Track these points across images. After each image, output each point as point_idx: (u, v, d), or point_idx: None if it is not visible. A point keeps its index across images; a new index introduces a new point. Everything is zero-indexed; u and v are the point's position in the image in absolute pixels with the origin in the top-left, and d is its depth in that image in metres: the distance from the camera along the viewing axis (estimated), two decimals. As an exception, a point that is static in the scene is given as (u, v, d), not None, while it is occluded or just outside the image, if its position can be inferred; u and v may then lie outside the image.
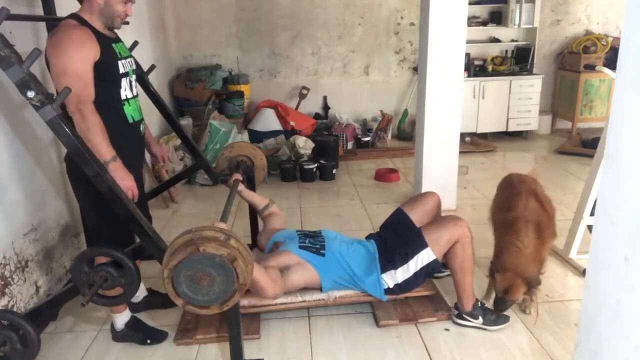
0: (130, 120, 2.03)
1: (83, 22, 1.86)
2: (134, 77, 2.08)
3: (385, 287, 2.25)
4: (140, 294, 2.44)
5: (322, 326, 2.32)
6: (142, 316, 2.34)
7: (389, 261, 2.25)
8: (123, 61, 1.98)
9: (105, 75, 1.89)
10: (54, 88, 2.24)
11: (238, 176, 2.54)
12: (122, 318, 2.20)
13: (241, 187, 2.54)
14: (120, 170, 1.82)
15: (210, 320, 2.28)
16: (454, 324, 2.28)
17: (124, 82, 1.99)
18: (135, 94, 2.08)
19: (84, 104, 1.76)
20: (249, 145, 2.88)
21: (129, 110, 2.02)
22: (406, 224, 2.42)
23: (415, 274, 2.22)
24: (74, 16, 1.88)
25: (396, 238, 2.36)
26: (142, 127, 2.13)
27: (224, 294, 1.55)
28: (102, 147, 1.77)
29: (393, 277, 2.24)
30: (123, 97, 1.99)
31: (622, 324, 0.97)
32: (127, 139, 2.04)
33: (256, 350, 2.16)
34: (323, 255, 2.25)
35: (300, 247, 2.26)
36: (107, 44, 1.91)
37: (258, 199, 2.64)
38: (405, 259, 2.21)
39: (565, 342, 2.12)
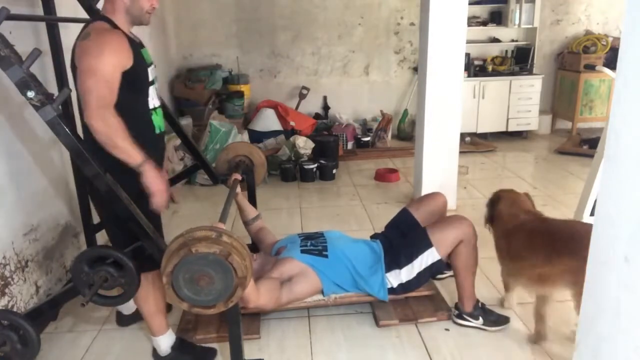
0: (157, 131, 1.91)
1: (114, 26, 1.74)
2: (157, 85, 1.96)
3: (389, 286, 2.25)
4: (133, 305, 2.29)
5: (322, 326, 2.32)
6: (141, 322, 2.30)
7: (394, 261, 2.25)
8: (150, 68, 1.88)
9: (137, 83, 1.79)
10: (54, 88, 2.25)
11: (238, 176, 2.54)
12: (166, 340, 2.03)
13: (238, 190, 2.53)
14: (154, 172, 1.70)
15: (210, 320, 2.28)
16: (454, 324, 2.28)
17: (152, 91, 1.88)
18: (159, 103, 1.96)
19: (107, 109, 1.64)
20: (245, 145, 2.87)
21: (156, 121, 1.90)
22: (411, 224, 2.42)
23: (419, 274, 2.22)
24: (104, 18, 1.76)
25: (401, 238, 2.36)
26: (165, 139, 2.02)
27: (226, 290, 1.55)
28: (132, 150, 1.65)
29: (397, 277, 2.24)
30: (151, 106, 1.87)
31: (622, 324, 0.97)
32: (152, 150, 1.84)
33: (256, 350, 2.16)
34: (326, 256, 2.23)
35: (302, 251, 2.24)
36: (137, 50, 1.80)
37: (250, 208, 2.63)
38: (409, 259, 2.21)
39: (565, 342, 2.12)
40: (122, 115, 1.68)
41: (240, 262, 1.53)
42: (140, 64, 1.78)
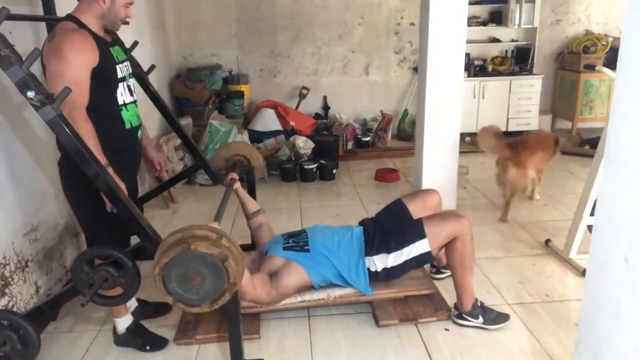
0: (128, 126, 1.98)
1: (81, 25, 1.79)
2: (131, 81, 2.03)
3: (373, 269, 2.25)
4: (132, 304, 2.38)
5: (322, 326, 2.32)
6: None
7: (383, 244, 2.25)
8: (120, 65, 1.93)
9: (103, 80, 1.84)
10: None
11: (235, 175, 2.55)
12: (123, 322, 2.18)
13: (237, 185, 2.54)
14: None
15: (210, 320, 2.28)
16: (454, 324, 2.28)
17: (121, 87, 1.94)
18: (134, 99, 2.03)
19: (77, 111, 1.71)
20: (246, 145, 2.88)
21: (126, 116, 1.97)
22: (404, 214, 2.42)
23: (406, 262, 2.21)
24: (71, 18, 1.81)
25: (394, 224, 2.36)
26: (139, 134, 2.08)
27: (214, 292, 1.56)
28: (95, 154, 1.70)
29: (383, 261, 2.23)
30: (120, 102, 1.94)
31: (622, 324, 0.97)
32: (124, 144, 1.98)
33: (256, 350, 2.16)
34: (307, 251, 2.26)
35: (284, 248, 2.28)
36: (105, 48, 1.85)
37: (251, 202, 2.64)
38: (400, 246, 2.21)
39: (565, 342, 2.12)
40: (89, 110, 1.75)
41: (234, 267, 1.53)
42: (107, 61, 1.84)
